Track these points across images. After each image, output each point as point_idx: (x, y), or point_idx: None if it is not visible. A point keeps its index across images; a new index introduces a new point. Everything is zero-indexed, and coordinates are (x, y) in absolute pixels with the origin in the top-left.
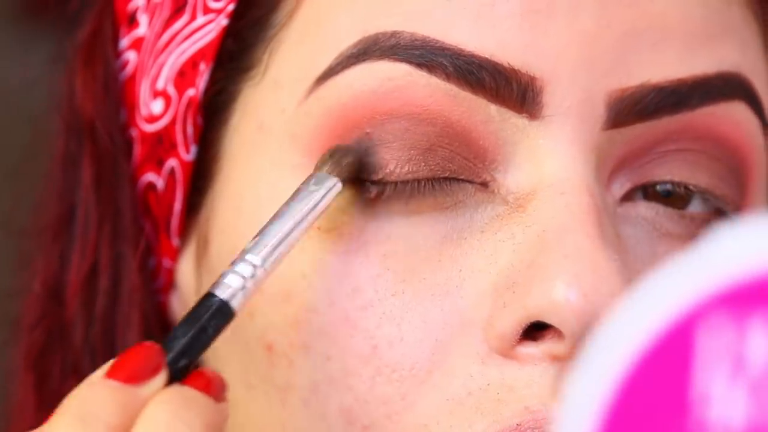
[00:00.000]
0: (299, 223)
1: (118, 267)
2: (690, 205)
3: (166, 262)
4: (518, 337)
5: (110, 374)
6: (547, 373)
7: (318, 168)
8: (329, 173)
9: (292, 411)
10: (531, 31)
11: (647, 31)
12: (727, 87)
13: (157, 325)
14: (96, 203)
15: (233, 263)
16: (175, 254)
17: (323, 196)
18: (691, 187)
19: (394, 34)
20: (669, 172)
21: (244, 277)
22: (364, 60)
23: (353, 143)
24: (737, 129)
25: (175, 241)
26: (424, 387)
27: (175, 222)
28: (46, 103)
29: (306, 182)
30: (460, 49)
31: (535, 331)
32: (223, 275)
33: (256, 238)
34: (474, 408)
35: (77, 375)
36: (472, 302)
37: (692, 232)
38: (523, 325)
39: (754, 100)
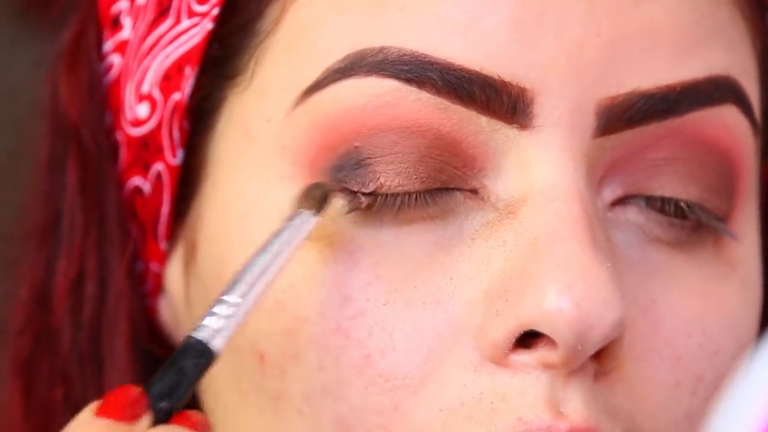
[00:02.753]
0: (276, 257)
1: (104, 272)
2: (684, 218)
3: (154, 266)
4: (511, 345)
5: (101, 413)
6: (539, 381)
7: (296, 208)
8: (305, 208)
9: (285, 420)
10: (520, 43)
11: (636, 38)
12: (716, 91)
13: (145, 330)
14: (82, 208)
15: (211, 305)
16: (163, 258)
17: (298, 229)
18: (682, 204)
19: (381, 49)
20: (660, 187)
21: (223, 317)
22: (351, 75)
23: (328, 177)
24: (727, 133)
25: (162, 245)
26: (417, 397)
27: (162, 226)
28: (30, 108)
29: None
30: (450, 63)
31: (528, 338)
32: (201, 318)
33: (233, 278)
34: (467, 417)
35: (65, 381)
36: (464, 310)
37: (682, 238)
38: (516, 334)
39: (744, 102)
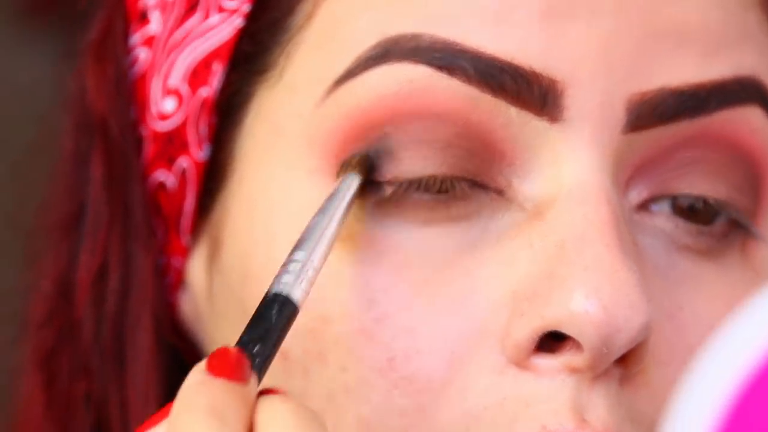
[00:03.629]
0: (333, 215)
1: (128, 266)
2: (712, 222)
3: (176, 261)
4: (534, 346)
5: (214, 372)
6: (565, 386)
7: (337, 176)
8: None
9: None
10: (551, 34)
11: (667, 34)
12: (743, 91)
13: (169, 324)
14: (106, 201)
15: (284, 264)
16: (185, 253)
17: (347, 190)
18: (711, 201)
19: (414, 36)
20: (689, 186)
21: (295, 272)
22: (383, 62)
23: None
24: (753, 136)
25: (185, 240)
26: (441, 400)
27: (186, 221)
28: (52, 101)
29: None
30: (481, 52)
31: (552, 342)
32: (277, 275)
33: (299, 238)
34: (490, 423)
35: (86, 375)
36: (489, 312)
37: (711, 246)
38: (540, 334)
39: None
